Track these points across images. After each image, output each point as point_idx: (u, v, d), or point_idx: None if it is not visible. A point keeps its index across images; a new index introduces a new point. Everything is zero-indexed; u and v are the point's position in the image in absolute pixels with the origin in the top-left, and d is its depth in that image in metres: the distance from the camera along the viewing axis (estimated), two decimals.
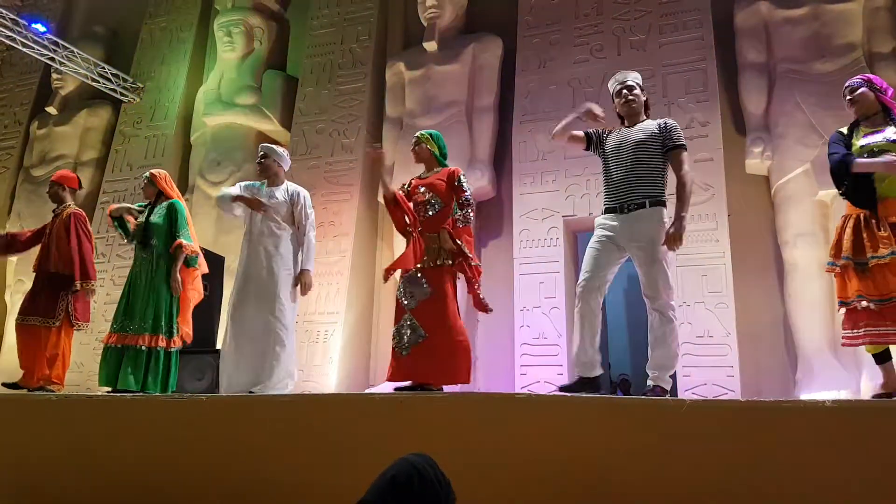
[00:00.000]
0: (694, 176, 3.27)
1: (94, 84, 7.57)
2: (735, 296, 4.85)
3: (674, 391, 4.72)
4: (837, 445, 2.82)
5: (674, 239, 3.15)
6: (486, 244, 6.13)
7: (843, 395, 4.51)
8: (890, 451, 2.72)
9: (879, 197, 2.96)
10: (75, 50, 7.36)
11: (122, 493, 3.87)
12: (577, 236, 5.78)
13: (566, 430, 3.20)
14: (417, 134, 3.87)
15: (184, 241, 4.23)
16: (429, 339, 3.48)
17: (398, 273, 3.74)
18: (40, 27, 7.04)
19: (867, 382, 4.42)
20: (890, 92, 3.16)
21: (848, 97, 3.18)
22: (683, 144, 3.26)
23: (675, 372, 3.33)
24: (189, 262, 4.31)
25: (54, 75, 8.10)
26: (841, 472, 2.77)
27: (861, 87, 3.13)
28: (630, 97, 3.37)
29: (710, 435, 3.00)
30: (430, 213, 3.63)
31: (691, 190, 3.20)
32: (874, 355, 3.11)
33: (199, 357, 5.26)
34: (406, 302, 3.57)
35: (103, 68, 7.52)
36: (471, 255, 3.58)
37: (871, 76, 3.22)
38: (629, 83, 3.40)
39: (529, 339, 5.29)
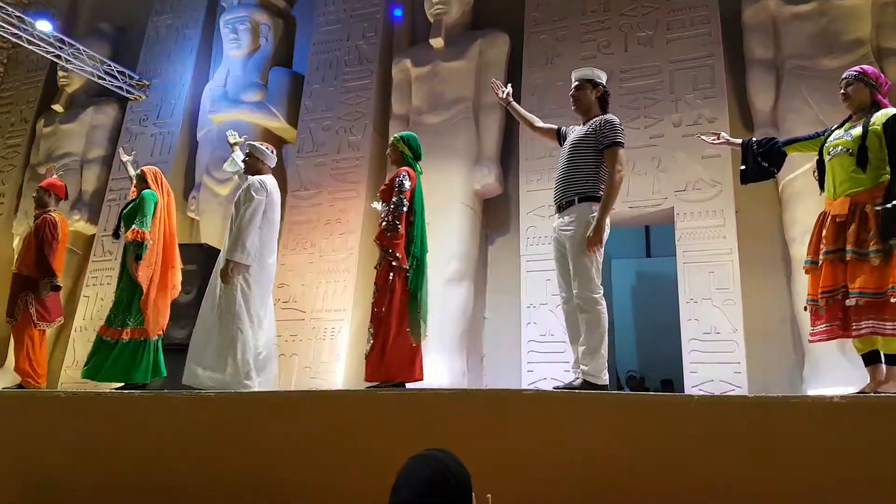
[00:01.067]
0: (622, 176, 3.26)
1: (100, 81, 7.58)
2: (742, 292, 4.85)
3: (680, 388, 4.73)
4: (845, 440, 2.83)
5: (590, 241, 3.20)
6: (494, 241, 6.13)
7: (851, 391, 4.49)
8: None
9: (830, 195, 3.03)
10: (81, 47, 7.37)
11: (130, 489, 3.90)
12: None
13: (574, 426, 3.21)
14: (392, 137, 3.97)
15: (133, 227, 4.28)
16: (374, 339, 3.63)
17: None
18: (46, 24, 7.05)
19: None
20: (887, 87, 3.08)
21: (842, 91, 3.11)
22: (617, 142, 3.25)
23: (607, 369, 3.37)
24: (138, 251, 4.28)
25: (60, 73, 8.12)
26: (849, 467, 2.77)
27: (854, 80, 3.04)
28: (573, 94, 3.46)
29: (719, 431, 3.01)
30: (380, 219, 3.76)
31: (615, 191, 3.21)
32: (862, 355, 3.11)
33: None
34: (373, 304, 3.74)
35: (109, 66, 7.54)
36: (399, 257, 3.64)
37: (866, 68, 3.11)
38: (574, 81, 3.46)
39: (536, 336, 5.29)
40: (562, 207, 3.34)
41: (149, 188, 4.50)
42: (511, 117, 6.03)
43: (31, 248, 4.78)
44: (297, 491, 3.48)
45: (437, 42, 6.36)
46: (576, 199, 3.26)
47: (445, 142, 6.02)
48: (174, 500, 3.76)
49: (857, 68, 3.13)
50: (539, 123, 3.76)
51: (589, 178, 3.27)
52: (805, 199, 4.97)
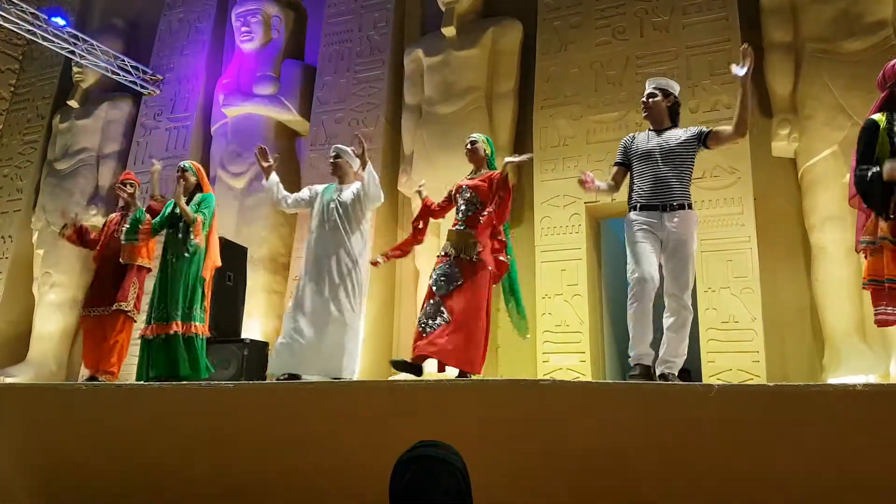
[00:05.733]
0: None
1: (114, 77, 7.63)
2: (761, 280, 4.79)
3: (698, 377, 4.70)
4: (869, 429, 2.78)
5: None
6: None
7: (872, 379, 4.45)
8: None
9: None
10: (95, 43, 7.41)
11: (151, 480, 3.93)
12: (599, 223, 5.73)
13: (591, 416, 3.19)
14: (475, 136, 3.97)
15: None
16: (452, 323, 3.57)
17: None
18: (60, 21, 7.09)
19: None
20: None
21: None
22: None
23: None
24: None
25: (75, 69, 8.16)
26: (873, 457, 2.73)
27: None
28: (646, 102, 3.43)
29: (739, 420, 2.97)
30: (470, 212, 3.74)
31: None
32: None
33: (224, 346, 5.34)
34: (436, 287, 3.65)
35: (123, 61, 7.57)
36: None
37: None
38: (648, 89, 3.42)
39: (551, 326, 5.27)
40: (667, 209, 3.26)
41: (205, 190, 4.46)
42: (524, 106, 6.04)
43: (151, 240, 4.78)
44: (315, 479, 3.49)
45: (449, 31, 6.31)
46: (685, 203, 3.24)
47: (458, 132, 5.96)
48: (193, 489, 3.79)
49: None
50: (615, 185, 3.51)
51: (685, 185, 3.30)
52: (826, 186, 4.89)
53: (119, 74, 7.58)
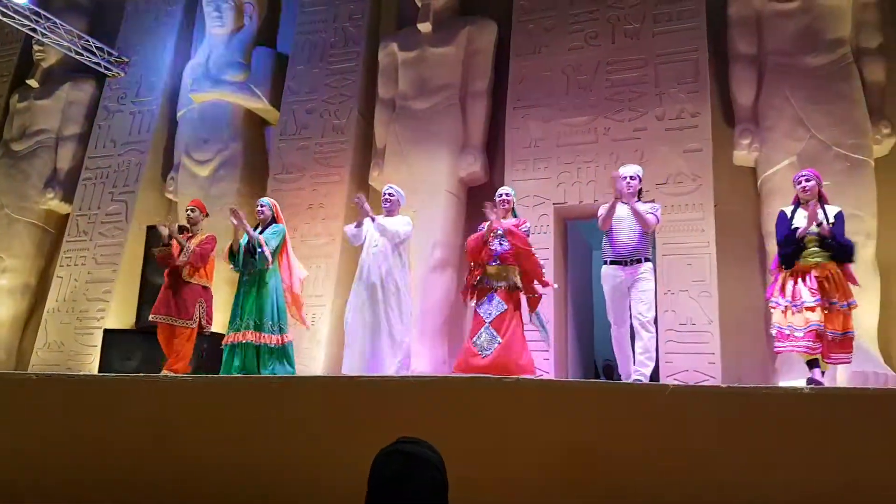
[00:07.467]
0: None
1: (77, 57, 7.39)
2: (719, 285, 4.93)
3: (655, 377, 4.83)
4: (815, 429, 2.92)
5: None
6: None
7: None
8: (863, 433, 2.84)
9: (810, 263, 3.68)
10: (58, 21, 7.17)
11: (106, 471, 3.86)
12: (567, 224, 5.81)
13: (552, 413, 3.26)
14: (509, 189, 4.63)
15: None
16: (503, 345, 4.15)
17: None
18: None
19: (842, 372, 4.54)
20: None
21: (804, 184, 3.81)
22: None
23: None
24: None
25: (36, 47, 7.91)
26: (818, 454, 2.86)
27: (812, 180, 3.81)
28: (630, 184, 4.26)
29: (693, 418, 3.09)
30: (504, 251, 4.36)
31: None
32: (807, 362, 3.69)
33: (127, 336, 5.34)
34: (486, 317, 4.27)
35: (87, 41, 7.35)
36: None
37: (817, 173, 3.86)
38: (632, 174, 4.25)
39: None
40: (629, 263, 4.12)
41: (279, 222, 4.87)
42: (497, 105, 6.08)
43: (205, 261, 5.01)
44: (274, 475, 3.48)
45: (424, 27, 6.30)
46: (643, 258, 4.11)
47: (431, 128, 6.00)
48: (149, 483, 3.74)
49: (812, 171, 3.87)
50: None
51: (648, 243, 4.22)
52: (784, 195, 5.03)
53: (82, 55, 7.36)
